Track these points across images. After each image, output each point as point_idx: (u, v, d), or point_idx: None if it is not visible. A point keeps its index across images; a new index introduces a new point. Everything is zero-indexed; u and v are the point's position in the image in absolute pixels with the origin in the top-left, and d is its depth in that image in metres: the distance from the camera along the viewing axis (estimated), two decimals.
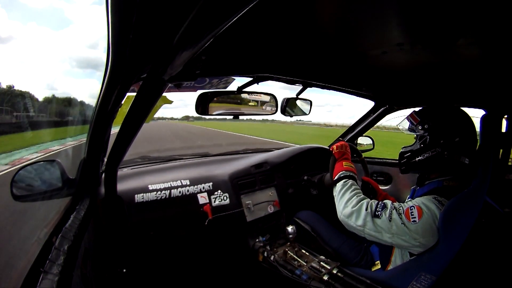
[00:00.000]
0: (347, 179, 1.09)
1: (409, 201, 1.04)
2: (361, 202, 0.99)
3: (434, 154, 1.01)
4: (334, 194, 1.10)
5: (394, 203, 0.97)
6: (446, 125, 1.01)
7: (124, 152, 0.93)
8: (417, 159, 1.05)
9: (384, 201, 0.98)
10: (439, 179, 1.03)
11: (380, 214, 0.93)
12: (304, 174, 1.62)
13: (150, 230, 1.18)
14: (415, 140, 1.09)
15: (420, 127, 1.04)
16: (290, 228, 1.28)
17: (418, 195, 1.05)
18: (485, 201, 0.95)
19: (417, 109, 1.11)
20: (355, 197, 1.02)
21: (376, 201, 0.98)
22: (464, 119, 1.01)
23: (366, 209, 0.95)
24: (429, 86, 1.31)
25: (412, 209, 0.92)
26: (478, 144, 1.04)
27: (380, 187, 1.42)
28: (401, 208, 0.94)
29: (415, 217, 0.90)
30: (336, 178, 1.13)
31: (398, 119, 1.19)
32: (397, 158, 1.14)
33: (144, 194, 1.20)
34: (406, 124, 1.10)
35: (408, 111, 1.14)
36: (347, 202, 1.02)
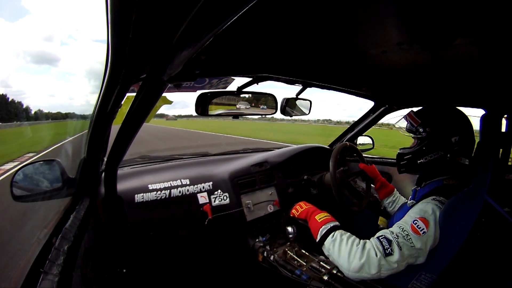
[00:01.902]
0: (332, 233, 0.98)
1: (411, 202, 1.04)
2: (364, 249, 0.90)
3: (437, 157, 1.00)
4: (326, 254, 0.99)
5: (393, 230, 0.91)
6: (448, 127, 1.00)
7: (124, 152, 0.93)
8: (418, 161, 1.04)
9: (383, 234, 0.91)
10: (439, 178, 1.03)
11: (392, 251, 0.87)
12: (304, 173, 1.62)
13: (150, 230, 1.18)
14: (415, 140, 1.08)
15: (421, 129, 1.03)
16: (290, 228, 1.28)
17: (419, 195, 1.05)
18: (485, 201, 0.95)
19: (414, 109, 1.11)
20: (354, 247, 0.92)
21: (377, 240, 0.90)
22: (462, 119, 1.02)
23: (376, 255, 0.87)
24: (429, 85, 1.31)
25: (416, 222, 0.90)
26: (475, 143, 1.05)
27: None
28: (404, 230, 0.89)
29: (423, 229, 0.88)
30: (319, 238, 1.00)
31: (396, 119, 1.18)
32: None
33: (144, 194, 1.20)
34: (404, 124, 1.09)
35: (408, 111, 1.14)
36: (349, 257, 0.91)
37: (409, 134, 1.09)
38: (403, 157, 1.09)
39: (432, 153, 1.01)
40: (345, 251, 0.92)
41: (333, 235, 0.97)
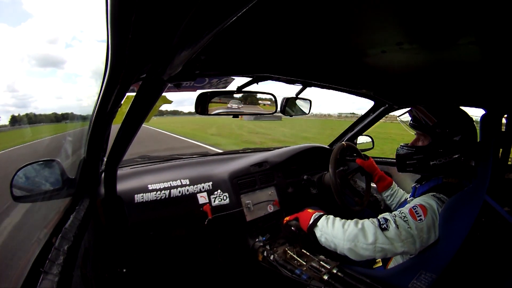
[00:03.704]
0: (325, 215, 1.03)
1: (411, 199, 1.04)
2: (359, 221, 0.92)
3: (451, 160, 0.97)
4: (321, 239, 0.99)
5: (393, 212, 0.94)
6: (466, 129, 0.97)
7: (123, 152, 0.93)
8: (431, 163, 0.99)
9: (382, 215, 0.94)
10: (439, 176, 1.02)
11: (387, 226, 0.88)
12: (304, 173, 1.62)
13: (150, 230, 1.18)
14: (423, 138, 1.05)
15: (438, 130, 0.98)
16: (293, 228, 1.28)
17: (419, 192, 1.04)
18: (485, 201, 0.95)
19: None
20: (348, 221, 0.94)
21: (372, 218, 0.93)
22: (469, 120, 1.01)
23: (373, 223, 0.90)
24: (429, 85, 1.31)
25: (415, 208, 0.90)
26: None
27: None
28: (401, 212, 0.91)
29: (420, 215, 0.88)
30: (312, 220, 1.02)
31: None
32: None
33: (144, 194, 1.20)
34: (411, 120, 1.06)
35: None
36: (344, 226, 0.93)
37: (415, 130, 1.05)
38: (412, 156, 1.04)
39: (448, 155, 0.97)
40: (339, 222, 0.96)
41: (327, 216, 1.02)
